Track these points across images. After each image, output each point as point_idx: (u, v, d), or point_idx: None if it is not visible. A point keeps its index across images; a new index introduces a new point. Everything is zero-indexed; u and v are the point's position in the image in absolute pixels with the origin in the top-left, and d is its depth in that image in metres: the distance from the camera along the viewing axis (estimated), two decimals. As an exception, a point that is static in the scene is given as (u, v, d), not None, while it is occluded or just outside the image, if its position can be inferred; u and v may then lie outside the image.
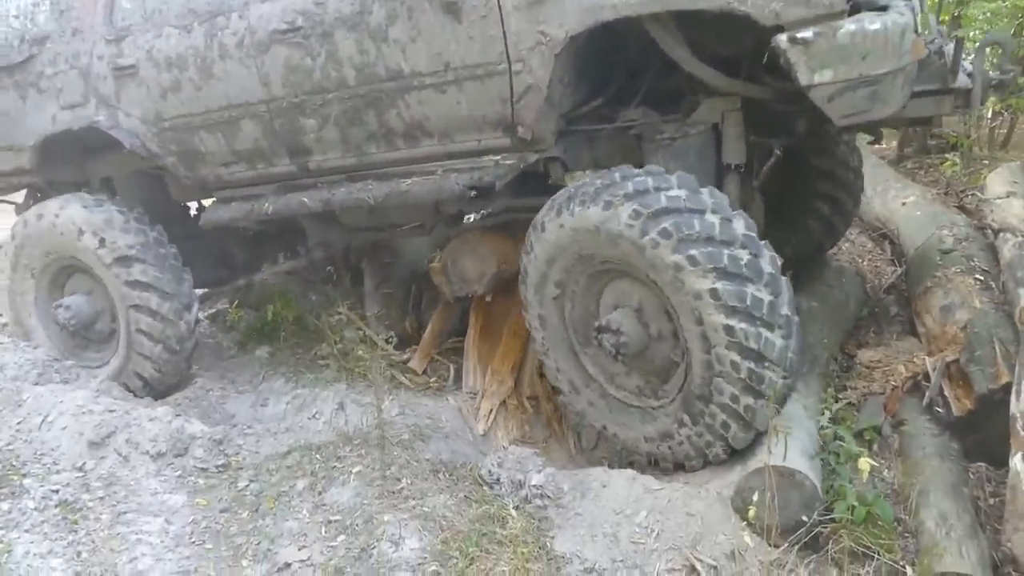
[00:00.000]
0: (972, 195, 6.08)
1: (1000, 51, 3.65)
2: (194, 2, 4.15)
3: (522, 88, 3.53)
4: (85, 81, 4.55)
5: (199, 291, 5.41)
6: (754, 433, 3.18)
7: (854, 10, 2.96)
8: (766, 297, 3.06)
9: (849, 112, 3.09)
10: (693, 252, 3.05)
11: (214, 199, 4.85)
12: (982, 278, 4.02)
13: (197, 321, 4.82)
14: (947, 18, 8.07)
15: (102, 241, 4.57)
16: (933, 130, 7.85)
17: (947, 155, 7.52)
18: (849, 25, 2.92)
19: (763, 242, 3.19)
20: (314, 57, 3.87)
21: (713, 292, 3.02)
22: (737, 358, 3.05)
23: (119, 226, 4.62)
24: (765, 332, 3.04)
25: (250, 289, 6.02)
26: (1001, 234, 4.27)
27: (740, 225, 3.16)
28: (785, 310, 3.13)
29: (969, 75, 3.46)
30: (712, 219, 3.12)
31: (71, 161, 5.12)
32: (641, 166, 3.52)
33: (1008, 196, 4.78)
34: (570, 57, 3.47)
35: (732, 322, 3.02)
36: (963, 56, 3.48)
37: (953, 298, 3.90)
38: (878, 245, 5.87)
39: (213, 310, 6.26)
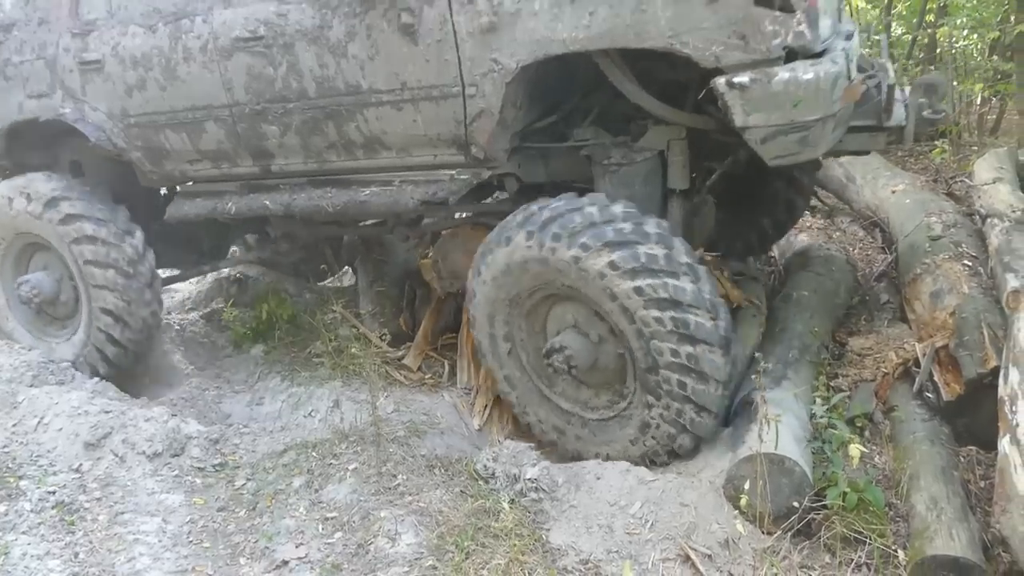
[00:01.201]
0: (961, 182, 6.11)
1: (934, 92, 3.77)
2: (159, 1, 4.14)
3: (475, 111, 3.59)
4: (51, 72, 4.53)
5: (169, 272, 5.55)
6: (714, 384, 3.24)
7: (790, 57, 3.02)
8: (660, 252, 3.24)
9: (780, 154, 3.23)
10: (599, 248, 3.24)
11: (179, 192, 4.86)
12: (970, 264, 4.05)
13: (146, 249, 4.77)
14: (934, 6, 8.11)
15: (28, 197, 4.64)
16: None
17: (936, 142, 7.55)
18: (783, 73, 2.99)
19: (677, 238, 3.37)
20: (276, 67, 3.89)
21: (612, 264, 3.20)
22: (657, 313, 3.18)
23: (40, 180, 4.71)
24: (672, 281, 3.20)
25: (244, 288, 6.01)
26: (989, 220, 4.31)
27: (651, 225, 3.34)
28: (685, 259, 3.28)
29: (906, 107, 3.65)
30: (624, 226, 3.30)
31: (39, 145, 5.11)
32: (591, 183, 3.82)
33: (995, 182, 4.82)
34: (522, 84, 3.54)
35: (639, 283, 3.18)
36: (897, 96, 3.70)
37: (942, 284, 3.93)
38: (869, 233, 5.90)
39: (208, 309, 6.27)
